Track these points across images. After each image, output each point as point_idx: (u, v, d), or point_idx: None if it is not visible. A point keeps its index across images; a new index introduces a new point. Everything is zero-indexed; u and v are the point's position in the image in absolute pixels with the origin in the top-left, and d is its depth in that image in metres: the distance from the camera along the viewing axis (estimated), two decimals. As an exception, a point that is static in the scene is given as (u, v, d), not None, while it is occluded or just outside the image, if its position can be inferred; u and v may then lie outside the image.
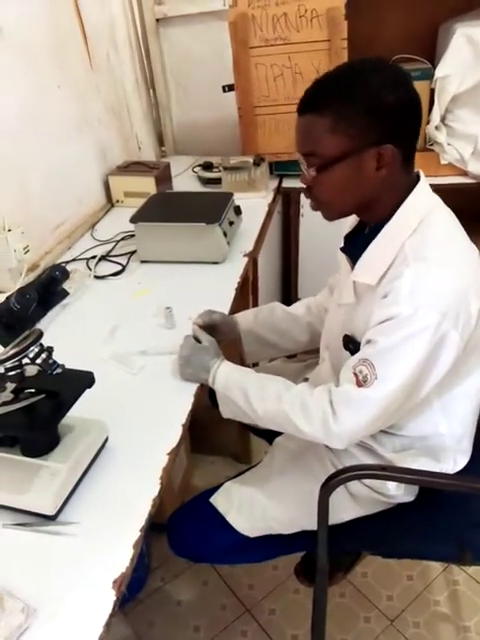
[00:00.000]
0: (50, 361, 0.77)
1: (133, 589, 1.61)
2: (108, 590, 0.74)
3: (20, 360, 0.75)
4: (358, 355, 0.92)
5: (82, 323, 1.33)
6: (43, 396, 0.81)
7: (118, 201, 1.91)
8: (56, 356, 1.14)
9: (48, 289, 0.74)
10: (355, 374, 0.90)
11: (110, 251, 1.63)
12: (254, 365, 1.48)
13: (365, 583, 1.66)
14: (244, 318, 1.28)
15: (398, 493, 1.05)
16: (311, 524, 1.03)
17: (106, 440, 0.96)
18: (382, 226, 0.93)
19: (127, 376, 1.14)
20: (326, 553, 1.06)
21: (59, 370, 0.82)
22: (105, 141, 1.90)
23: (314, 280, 1.38)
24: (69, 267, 1.56)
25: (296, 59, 1.77)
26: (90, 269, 1.54)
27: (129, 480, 0.90)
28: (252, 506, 1.10)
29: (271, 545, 1.13)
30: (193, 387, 1.09)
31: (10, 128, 1.40)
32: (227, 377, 1.04)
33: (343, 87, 0.86)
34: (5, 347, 0.69)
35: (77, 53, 1.72)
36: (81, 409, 0.92)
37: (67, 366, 1.13)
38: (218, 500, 1.12)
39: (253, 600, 1.64)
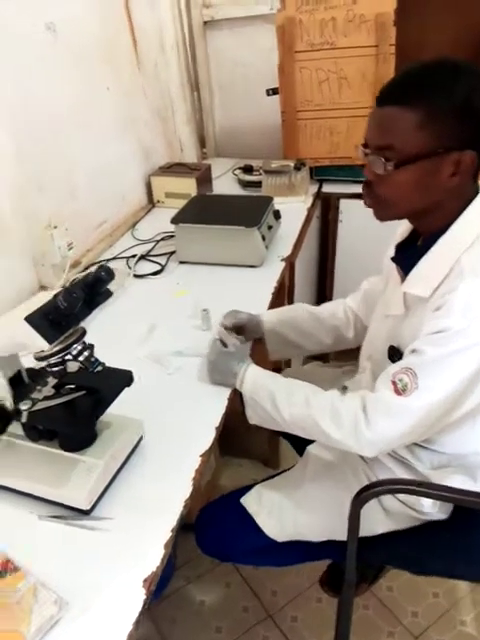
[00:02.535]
0: (92, 359, 0.78)
1: (158, 586, 1.61)
2: (138, 588, 0.75)
3: (63, 357, 0.77)
4: (400, 363, 0.90)
5: (121, 321, 1.35)
6: (83, 393, 0.82)
7: (159, 201, 1.93)
8: (95, 353, 1.17)
9: (94, 289, 0.75)
10: (394, 382, 0.88)
11: (150, 251, 1.65)
12: (285, 367, 1.47)
13: (390, 597, 1.63)
14: (269, 318, 1.28)
15: (433, 510, 1.03)
16: (341, 534, 1.02)
17: (141, 439, 0.97)
18: (437, 237, 0.90)
19: (163, 376, 1.15)
20: (354, 565, 1.05)
21: (100, 368, 0.84)
22: (149, 142, 1.92)
23: (349, 286, 1.37)
24: (109, 265, 1.59)
25: (342, 64, 1.76)
26: (130, 268, 1.56)
27: (162, 480, 0.91)
28: (282, 511, 1.09)
29: (298, 550, 1.12)
30: (227, 391, 1.09)
31: (60, 127, 1.43)
32: (254, 381, 1.04)
33: (441, 82, 0.82)
34: (50, 343, 0.71)
35: (126, 55, 1.75)
36: (116, 406, 0.93)
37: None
38: (249, 501, 1.12)
39: (276, 606, 1.63)
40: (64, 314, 0.70)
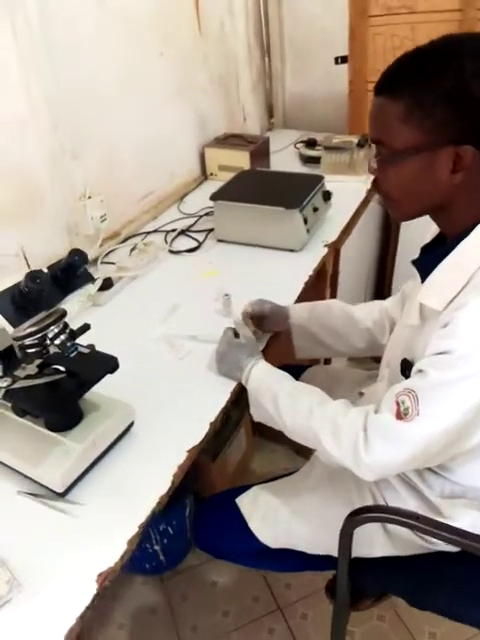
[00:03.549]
0: (68, 343, 0.76)
1: (174, 559, 1.64)
2: (91, 582, 0.73)
3: (41, 338, 0.75)
4: (405, 383, 0.81)
5: (146, 297, 1.33)
6: (64, 375, 0.81)
7: (212, 174, 1.87)
8: (110, 328, 1.14)
9: (68, 273, 0.72)
10: (397, 403, 0.79)
11: (191, 226, 1.61)
12: (312, 363, 1.38)
13: (409, 611, 1.53)
14: (297, 312, 1.19)
15: (442, 541, 0.92)
16: (336, 551, 0.95)
17: (132, 424, 0.95)
18: (461, 239, 0.79)
19: (172, 359, 1.12)
20: (346, 587, 0.97)
21: (85, 350, 0.82)
22: (206, 111, 1.85)
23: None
24: (148, 239, 1.57)
25: (420, 30, 1.57)
26: (167, 243, 1.53)
27: (144, 471, 0.88)
28: (277, 517, 1.04)
29: (294, 559, 1.06)
30: (232, 385, 1.03)
31: (104, 95, 1.40)
32: (260, 380, 0.98)
33: (426, 69, 0.72)
34: (14, 327, 0.69)
35: (186, 19, 1.67)
36: (117, 386, 0.92)
37: (116, 340, 1.14)
38: (244, 503, 1.07)
39: (287, 600, 1.59)
40: (28, 298, 0.68)
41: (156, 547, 1.54)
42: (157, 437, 0.94)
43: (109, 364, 0.82)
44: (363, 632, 1.51)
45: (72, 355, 0.76)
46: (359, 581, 1.01)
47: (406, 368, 0.89)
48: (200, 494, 1.66)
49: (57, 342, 0.75)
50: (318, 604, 1.58)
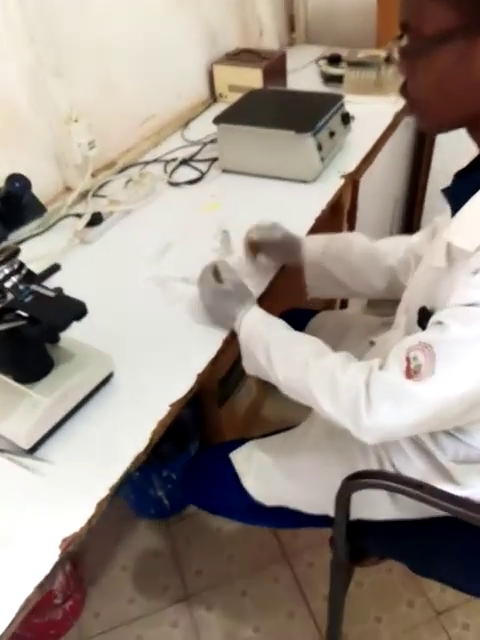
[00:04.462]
0: (21, 286, 0.66)
1: (179, 504, 1.62)
2: (54, 548, 0.66)
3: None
4: (419, 336, 0.69)
5: (139, 234, 1.21)
6: (24, 322, 0.71)
7: (222, 95, 1.69)
8: (96, 268, 1.08)
9: (10, 204, 0.61)
10: (407, 359, 0.68)
11: (194, 155, 1.46)
12: (326, 307, 1.26)
13: (419, 566, 1.48)
14: (312, 245, 1.05)
15: (446, 512, 0.83)
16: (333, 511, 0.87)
17: (111, 375, 0.86)
18: None
19: (161, 304, 1.02)
20: (343, 548, 0.91)
21: (50, 293, 0.72)
22: (216, 23, 1.64)
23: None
24: (147, 169, 1.43)
25: None
26: (166, 173, 1.39)
27: (120, 427, 0.80)
28: (270, 476, 0.96)
29: (290, 516, 1.00)
30: (224, 334, 0.93)
31: (89, 2, 1.22)
32: (252, 328, 0.87)
33: None
34: None
35: None
36: (99, 333, 0.85)
37: (102, 281, 1.06)
38: (238, 458, 1.00)
39: (294, 548, 1.56)
40: (-42, 233, 0.58)
41: (159, 493, 1.51)
42: (139, 389, 0.86)
43: (74, 310, 0.72)
44: (372, 583, 1.48)
45: (27, 300, 0.66)
46: (360, 542, 0.94)
47: (424, 318, 0.77)
48: (207, 441, 1.61)
49: (8, 285, 0.65)
50: (325, 553, 1.51)
